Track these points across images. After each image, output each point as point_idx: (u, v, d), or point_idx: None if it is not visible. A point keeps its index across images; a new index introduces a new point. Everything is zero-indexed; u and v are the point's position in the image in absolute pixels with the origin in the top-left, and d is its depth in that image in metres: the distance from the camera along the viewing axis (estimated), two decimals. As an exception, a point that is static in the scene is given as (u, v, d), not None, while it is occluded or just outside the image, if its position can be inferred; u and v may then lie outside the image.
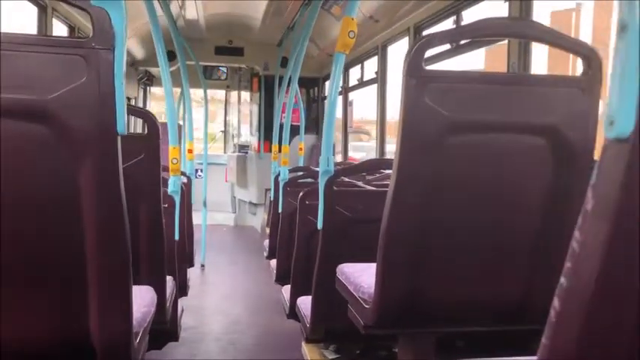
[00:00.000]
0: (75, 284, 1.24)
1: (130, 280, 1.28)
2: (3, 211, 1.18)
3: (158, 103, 10.09)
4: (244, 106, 9.54)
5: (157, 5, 3.70)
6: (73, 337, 1.29)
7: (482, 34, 1.63)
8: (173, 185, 2.92)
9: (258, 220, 7.95)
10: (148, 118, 2.05)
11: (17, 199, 1.19)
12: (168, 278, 2.25)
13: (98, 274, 1.23)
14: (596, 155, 1.54)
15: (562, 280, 0.64)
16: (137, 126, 7.28)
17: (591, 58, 1.52)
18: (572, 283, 0.63)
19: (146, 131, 2.03)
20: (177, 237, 2.87)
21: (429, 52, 1.52)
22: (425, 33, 4.27)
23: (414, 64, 1.46)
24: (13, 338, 1.27)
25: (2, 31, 1.13)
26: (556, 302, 0.64)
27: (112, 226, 1.22)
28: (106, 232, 1.22)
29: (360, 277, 1.84)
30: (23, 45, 1.13)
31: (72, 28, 4.43)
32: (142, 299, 1.61)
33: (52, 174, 1.18)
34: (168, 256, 2.22)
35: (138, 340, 1.41)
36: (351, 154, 7.08)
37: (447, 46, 3.53)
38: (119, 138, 1.17)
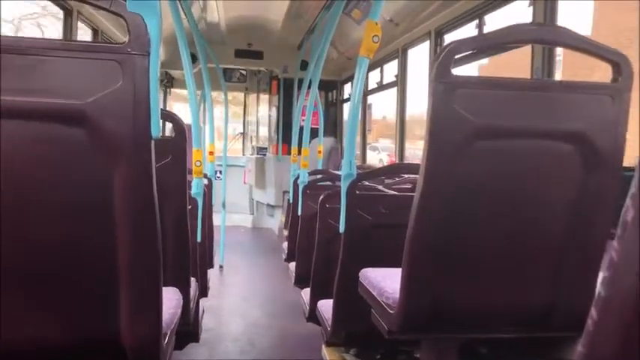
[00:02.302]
0: (107, 285, 1.26)
1: (161, 282, 1.29)
2: (39, 212, 1.21)
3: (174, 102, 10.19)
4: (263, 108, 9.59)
5: (179, 8, 3.74)
6: (103, 338, 1.31)
7: (510, 39, 1.62)
8: (196, 187, 2.95)
9: (276, 222, 7.97)
10: (175, 120, 2.08)
11: (53, 201, 1.21)
12: (192, 280, 2.27)
13: (130, 275, 1.25)
14: (625, 162, 1.54)
15: (599, 289, 0.63)
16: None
17: (622, 64, 1.51)
18: (610, 293, 0.62)
19: (169, 133, 2.05)
20: (199, 239, 2.90)
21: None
22: (446, 37, 4.26)
23: (441, 69, 1.46)
24: (46, 337, 1.30)
25: (40, 37, 1.16)
26: (593, 312, 0.64)
27: (144, 229, 1.24)
28: (138, 234, 1.24)
29: (384, 281, 1.84)
30: (61, 50, 1.15)
31: (95, 32, 4.50)
32: (170, 301, 1.63)
33: (87, 176, 1.20)
34: (191, 257, 2.24)
35: (166, 342, 1.43)
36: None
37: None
38: (153, 142, 1.19)
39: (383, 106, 5.36)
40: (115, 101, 1.15)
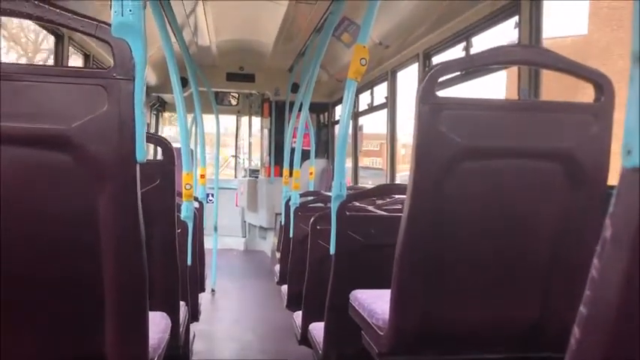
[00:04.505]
0: (92, 309, 1.25)
1: (147, 307, 1.28)
2: (23, 236, 1.20)
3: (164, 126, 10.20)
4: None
5: (170, 32, 3.77)
6: None
7: (495, 61, 1.65)
8: (186, 210, 2.94)
9: (269, 244, 7.94)
10: (163, 144, 2.08)
11: (37, 226, 1.21)
12: (181, 304, 2.25)
13: (115, 299, 1.24)
14: (610, 181, 1.55)
15: (582, 308, 0.64)
16: (149, 150, 7.32)
17: (604, 85, 1.53)
18: (592, 312, 0.63)
19: (159, 157, 2.06)
20: (189, 262, 2.88)
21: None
22: (434, 59, 4.31)
23: (427, 91, 1.48)
24: None
25: (27, 63, 1.16)
26: (576, 330, 0.64)
27: (130, 254, 1.23)
28: (124, 259, 1.23)
29: (374, 303, 1.83)
30: (47, 76, 1.16)
31: (87, 57, 4.52)
32: (157, 325, 1.61)
33: (72, 201, 1.20)
34: (181, 281, 2.22)
35: None
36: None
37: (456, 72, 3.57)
38: (138, 166, 1.19)
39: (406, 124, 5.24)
40: (101, 126, 1.15)
